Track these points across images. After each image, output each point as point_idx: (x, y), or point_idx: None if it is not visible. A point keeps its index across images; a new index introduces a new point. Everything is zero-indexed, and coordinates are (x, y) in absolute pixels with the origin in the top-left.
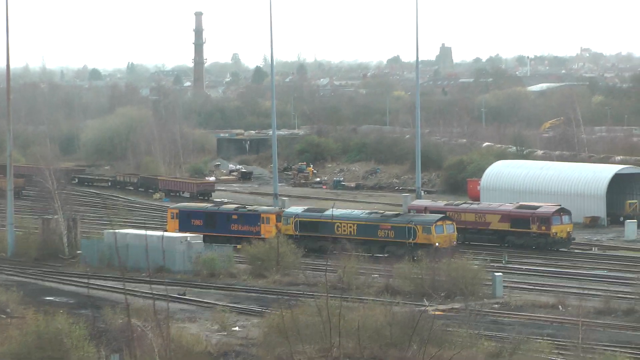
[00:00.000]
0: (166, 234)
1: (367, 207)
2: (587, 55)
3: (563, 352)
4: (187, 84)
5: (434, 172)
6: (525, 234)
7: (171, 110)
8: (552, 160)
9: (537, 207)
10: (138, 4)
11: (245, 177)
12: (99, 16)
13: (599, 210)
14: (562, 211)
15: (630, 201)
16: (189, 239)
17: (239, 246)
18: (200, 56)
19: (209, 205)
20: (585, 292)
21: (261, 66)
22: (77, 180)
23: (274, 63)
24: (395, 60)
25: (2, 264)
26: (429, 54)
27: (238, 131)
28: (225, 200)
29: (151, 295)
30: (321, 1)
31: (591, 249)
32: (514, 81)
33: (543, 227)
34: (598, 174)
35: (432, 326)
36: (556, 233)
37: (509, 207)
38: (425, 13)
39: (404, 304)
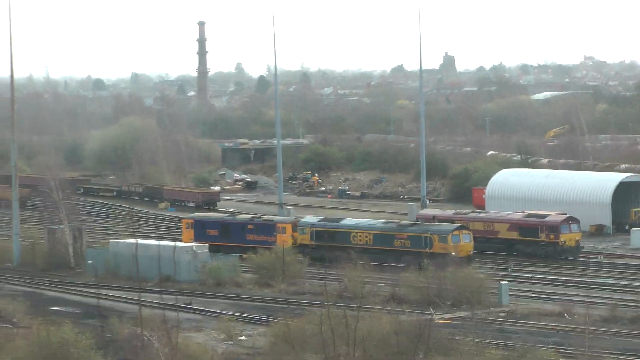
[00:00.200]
0: (172, 243)
1: (372, 216)
2: (591, 63)
3: None
4: (191, 93)
5: (439, 181)
6: (534, 243)
7: (175, 120)
8: (557, 168)
9: (546, 216)
10: (141, 14)
11: (250, 186)
12: (102, 26)
13: (605, 218)
14: (570, 220)
15: (635, 209)
16: (194, 248)
17: (244, 255)
18: (204, 66)
19: (224, 215)
20: (591, 300)
21: (265, 75)
22: (82, 191)
23: (278, 72)
24: (399, 69)
25: (8, 274)
26: (433, 62)
27: (242, 140)
28: (231, 209)
29: (157, 305)
30: (325, 10)
31: (597, 257)
32: (517, 90)
33: (552, 236)
34: (603, 182)
35: (438, 335)
36: (565, 242)
37: (517, 215)
38: (429, 22)
39: (410, 312)
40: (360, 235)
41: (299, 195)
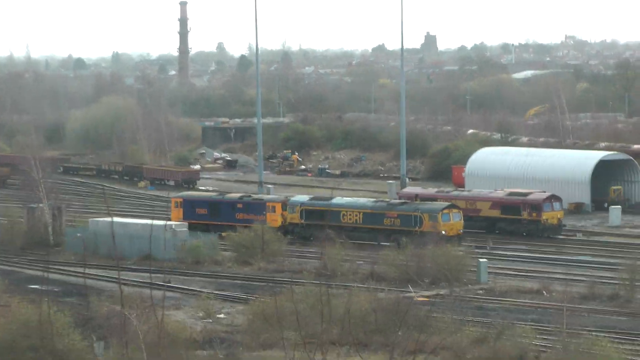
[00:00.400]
0: (150, 221)
1: (352, 194)
2: (572, 42)
3: (547, 337)
4: (172, 72)
5: (419, 160)
6: (516, 221)
7: (156, 99)
8: (537, 147)
9: (528, 194)
10: None
11: (230, 165)
12: (83, 5)
13: (584, 196)
14: (552, 198)
15: (614, 187)
16: (174, 226)
17: (223, 234)
18: (185, 45)
19: (213, 194)
20: (570, 277)
21: (246, 55)
22: (62, 169)
23: (259, 51)
24: (381, 48)
25: None
26: (414, 42)
27: (223, 119)
28: (211, 188)
29: (136, 283)
30: None
31: (576, 235)
32: (498, 69)
33: (534, 214)
34: (582, 161)
35: (417, 312)
36: (547, 220)
37: (499, 194)
38: (410, 1)
39: (389, 290)
40: (350, 214)
41: (278, 173)
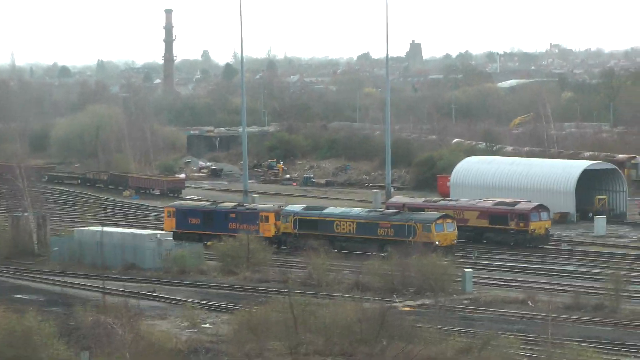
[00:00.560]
0: (134, 231)
1: (338, 204)
2: (557, 51)
3: (533, 348)
4: (157, 81)
5: (404, 169)
6: (504, 231)
7: (141, 107)
8: (522, 156)
9: (516, 204)
10: (108, 1)
11: (215, 174)
12: (68, 13)
13: (569, 206)
14: (540, 208)
15: (599, 197)
16: (159, 235)
17: (209, 243)
18: (170, 53)
19: (206, 203)
20: (555, 287)
21: (231, 63)
22: (47, 178)
23: (244, 60)
24: (365, 56)
25: None
26: (399, 50)
27: (208, 128)
28: (196, 197)
29: (122, 293)
30: None
31: (561, 245)
32: (483, 77)
33: (521, 224)
34: (567, 170)
35: (401, 322)
36: (534, 230)
37: (487, 203)
38: (395, 10)
39: (374, 300)
40: (343, 224)
41: (263, 182)
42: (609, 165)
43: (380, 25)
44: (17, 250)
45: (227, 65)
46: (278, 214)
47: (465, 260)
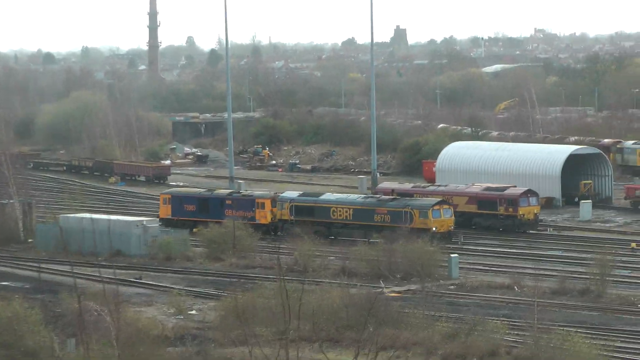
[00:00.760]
0: (120, 217)
1: (324, 189)
2: (541, 36)
3: (519, 333)
4: (142, 67)
5: (390, 154)
6: (493, 216)
7: (126, 93)
8: (507, 141)
9: (505, 189)
10: None
11: (200, 160)
12: None
13: (554, 190)
14: (529, 193)
15: (584, 181)
16: (144, 222)
17: (195, 229)
18: (155, 39)
19: (202, 190)
20: (541, 272)
21: (216, 49)
22: (32, 165)
23: (229, 46)
24: (350, 42)
25: None
26: (384, 35)
27: (193, 114)
28: (181, 183)
29: (108, 280)
30: None
31: (546, 230)
32: (468, 62)
33: (510, 209)
34: (553, 155)
35: (388, 308)
36: (523, 215)
37: (476, 189)
38: None
39: (360, 286)
40: (340, 210)
41: (249, 169)
42: (595, 150)
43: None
44: (2, 237)
45: (212, 51)
46: (274, 201)
47: (452, 246)
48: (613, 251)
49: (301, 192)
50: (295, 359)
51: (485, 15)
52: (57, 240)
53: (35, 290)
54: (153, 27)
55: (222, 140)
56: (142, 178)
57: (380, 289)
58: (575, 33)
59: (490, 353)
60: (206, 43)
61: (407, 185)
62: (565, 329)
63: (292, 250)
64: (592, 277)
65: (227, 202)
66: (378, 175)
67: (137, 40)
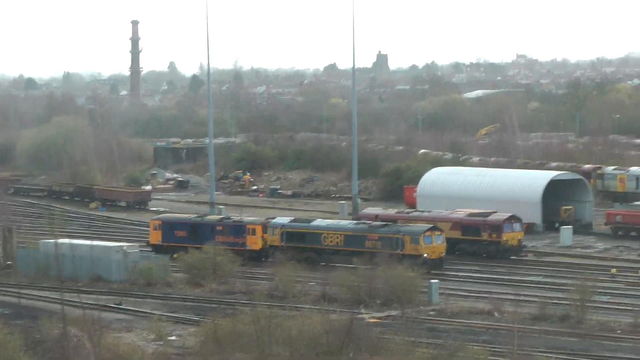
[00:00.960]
0: (101, 243)
1: (304, 215)
2: (523, 61)
3: (499, 358)
4: (124, 92)
5: (371, 180)
6: (477, 242)
7: (107, 119)
8: (489, 166)
9: (488, 215)
10: (74, 13)
11: (181, 185)
12: (34, 24)
13: (535, 216)
14: (512, 219)
15: (565, 207)
16: (125, 247)
17: (175, 255)
18: (137, 65)
19: (192, 215)
20: (521, 298)
21: (198, 74)
22: (13, 190)
23: (211, 71)
24: (332, 67)
25: None
26: (366, 61)
27: (175, 140)
28: (162, 209)
29: (88, 306)
30: (258, 9)
31: (527, 255)
32: (450, 88)
33: (494, 235)
34: (533, 181)
35: (368, 333)
36: (507, 241)
37: (459, 214)
38: (362, 20)
39: (340, 311)
40: (331, 237)
41: (230, 194)
42: (575, 176)
43: (346, 36)
44: None
45: (194, 76)
46: (265, 227)
47: (433, 272)
48: (593, 277)
49: (292, 218)
50: None
51: (467, 40)
52: (37, 265)
53: (15, 315)
54: (135, 53)
55: (203, 166)
56: (123, 203)
57: (358, 313)
58: (556, 58)
59: None
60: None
61: (391, 211)
62: (545, 354)
63: (272, 275)
64: (572, 303)
65: (218, 228)
66: (359, 201)
67: (118, 66)
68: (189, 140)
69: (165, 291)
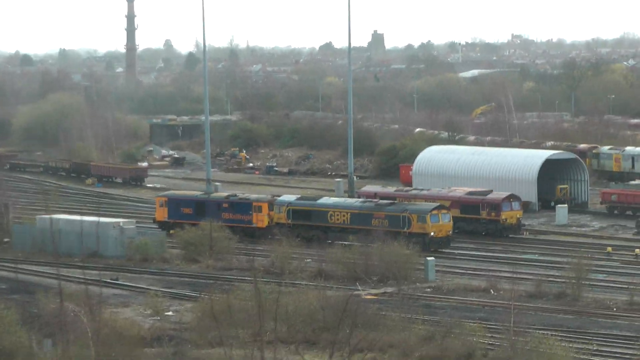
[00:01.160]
0: (97, 219)
1: (300, 192)
2: (518, 41)
3: (495, 336)
4: (119, 70)
5: (367, 158)
6: (475, 221)
7: (103, 96)
8: (484, 145)
9: (487, 194)
10: None
11: (177, 162)
12: (30, 1)
13: (531, 195)
14: (511, 197)
15: (560, 186)
16: (121, 224)
17: (172, 231)
18: (133, 42)
19: (199, 193)
20: (517, 276)
21: (193, 52)
22: (9, 166)
23: (207, 49)
24: (328, 46)
25: None
26: (361, 40)
27: (171, 117)
28: (158, 185)
29: (85, 281)
30: None
31: (523, 234)
32: (445, 67)
33: (493, 214)
34: (529, 160)
35: (364, 310)
36: (506, 219)
37: (458, 193)
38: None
39: (337, 288)
40: (337, 215)
41: (226, 171)
42: (571, 155)
43: (342, 15)
44: None
45: (190, 54)
46: (271, 204)
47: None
48: (589, 255)
49: (299, 196)
50: None
51: (463, 20)
52: (33, 241)
53: (11, 290)
54: (131, 30)
55: (199, 143)
56: (119, 180)
57: (355, 290)
58: (552, 39)
59: (467, 355)
60: (184, 46)
61: (390, 189)
62: (541, 332)
63: (269, 252)
64: (568, 280)
65: (224, 205)
66: (355, 178)
67: (114, 43)
68: (185, 118)
69: (162, 267)
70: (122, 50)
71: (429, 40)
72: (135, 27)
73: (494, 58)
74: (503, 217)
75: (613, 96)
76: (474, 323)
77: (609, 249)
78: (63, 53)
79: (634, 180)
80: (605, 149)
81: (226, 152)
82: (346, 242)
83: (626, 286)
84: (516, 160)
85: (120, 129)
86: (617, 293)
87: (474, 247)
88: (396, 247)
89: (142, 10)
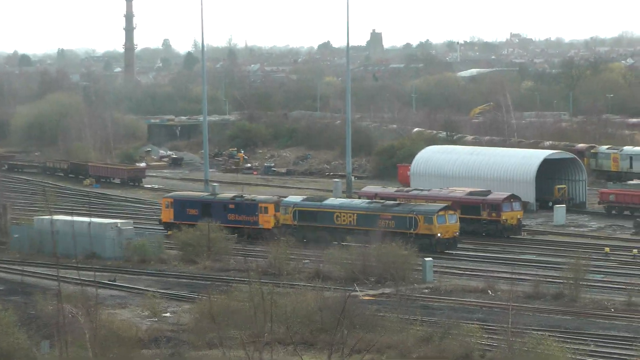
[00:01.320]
0: (95, 220)
1: (299, 192)
2: (517, 40)
3: (493, 336)
4: (118, 69)
5: (365, 158)
6: (476, 221)
7: (102, 96)
8: (482, 145)
9: (488, 194)
10: None
11: (175, 163)
12: (28, 1)
13: (529, 195)
14: (512, 198)
15: (559, 186)
16: (119, 224)
17: (169, 232)
18: (131, 42)
19: (205, 194)
20: (515, 276)
21: (192, 52)
22: (6, 167)
23: (205, 49)
24: (326, 45)
25: None
26: (360, 39)
27: (169, 117)
28: (156, 186)
29: (82, 282)
30: None
31: (520, 234)
32: (444, 67)
33: (493, 214)
34: (527, 159)
35: (362, 311)
36: (506, 220)
37: (459, 193)
38: None
39: (335, 289)
40: (343, 216)
41: (224, 172)
42: (569, 155)
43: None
44: None
45: (188, 54)
46: (277, 205)
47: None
48: (587, 255)
49: (305, 197)
50: None
51: (461, 19)
52: (31, 242)
53: (8, 291)
54: (129, 30)
55: (198, 143)
56: (117, 180)
57: (352, 291)
58: (550, 38)
59: (464, 356)
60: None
61: (391, 190)
62: (538, 332)
63: (266, 253)
64: (566, 281)
65: (230, 206)
66: (353, 178)
67: (113, 43)
68: (183, 118)
69: (160, 268)
70: (121, 50)
71: (428, 39)
72: (134, 26)
73: (493, 57)
74: (503, 217)
75: (611, 95)
76: (471, 324)
77: (607, 249)
78: (61, 53)
79: (632, 180)
80: (604, 148)
81: (224, 152)
82: (353, 244)
83: (624, 287)
84: (514, 161)
85: (119, 129)
86: (615, 293)
87: (472, 248)
88: (394, 247)
89: (141, 9)
